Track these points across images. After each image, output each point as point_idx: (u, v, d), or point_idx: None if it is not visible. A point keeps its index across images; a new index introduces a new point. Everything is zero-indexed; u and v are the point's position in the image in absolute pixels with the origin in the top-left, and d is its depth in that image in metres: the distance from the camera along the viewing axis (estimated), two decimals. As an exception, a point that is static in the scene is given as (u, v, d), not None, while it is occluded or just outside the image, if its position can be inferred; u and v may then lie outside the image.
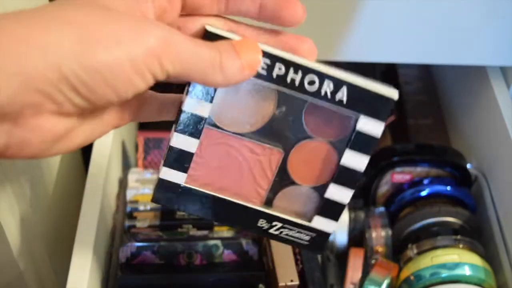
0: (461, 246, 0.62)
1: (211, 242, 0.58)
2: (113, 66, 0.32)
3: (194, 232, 0.60)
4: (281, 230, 0.44)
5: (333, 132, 0.42)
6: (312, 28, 0.63)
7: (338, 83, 0.40)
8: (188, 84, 0.39)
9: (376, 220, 0.68)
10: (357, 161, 0.42)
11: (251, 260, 0.59)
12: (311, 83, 0.40)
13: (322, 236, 0.45)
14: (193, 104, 0.40)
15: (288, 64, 0.39)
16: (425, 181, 0.69)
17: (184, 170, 0.42)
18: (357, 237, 0.68)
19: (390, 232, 0.67)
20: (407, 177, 0.70)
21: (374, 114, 0.41)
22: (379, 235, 0.67)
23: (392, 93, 0.40)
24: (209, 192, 0.43)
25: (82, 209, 0.56)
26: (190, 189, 0.43)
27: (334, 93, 0.40)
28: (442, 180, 0.69)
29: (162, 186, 0.42)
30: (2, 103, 0.30)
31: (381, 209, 0.69)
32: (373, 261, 0.65)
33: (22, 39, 0.30)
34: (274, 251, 0.58)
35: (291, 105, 0.41)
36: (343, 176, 0.43)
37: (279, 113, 0.42)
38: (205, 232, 0.60)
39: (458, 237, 0.63)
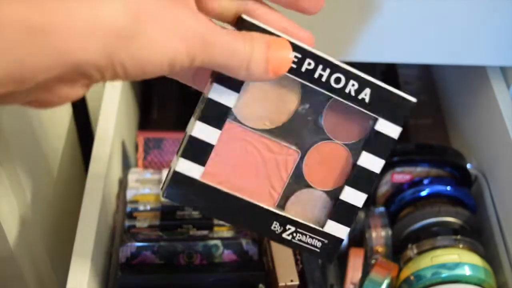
0: (461, 246, 0.62)
1: (211, 242, 0.58)
2: (156, 62, 0.33)
3: (194, 232, 0.60)
4: (294, 234, 0.44)
5: (350, 135, 0.43)
6: (312, 28, 0.63)
7: (362, 83, 0.41)
8: (215, 72, 0.39)
9: (376, 220, 0.68)
10: (373, 163, 0.43)
11: (251, 260, 0.59)
12: (337, 80, 0.40)
13: (334, 243, 0.44)
14: (220, 92, 0.39)
15: (318, 60, 0.40)
16: (425, 181, 0.69)
17: (202, 163, 0.41)
18: (357, 237, 0.68)
19: (390, 232, 0.67)
20: (407, 177, 0.70)
21: (392, 117, 0.42)
22: (379, 235, 0.67)
23: (411, 98, 0.42)
24: (225, 190, 0.42)
25: (82, 209, 0.56)
26: (206, 185, 0.41)
27: (358, 92, 0.41)
28: (442, 180, 0.69)
29: (177, 180, 0.41)
30: (39, 78, 0.31)
31: (381, 209, 0.69)
32: (373, 261, 0.65)
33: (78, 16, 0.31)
34: (274, 251, 0.58)
35: (314, 103, 0.42)
36: (359, 178, 0.43)
37: (302, 110, 0.42)
38: (205, 232, 0.60)
39: (458, 237, 0.63)
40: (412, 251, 0.64)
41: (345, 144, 0.43)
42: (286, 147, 0.43)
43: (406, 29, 0.63)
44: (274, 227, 0.43)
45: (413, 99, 0.42)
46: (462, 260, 0.61)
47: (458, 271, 0.60)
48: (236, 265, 0.58)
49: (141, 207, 0.64)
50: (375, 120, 0.42)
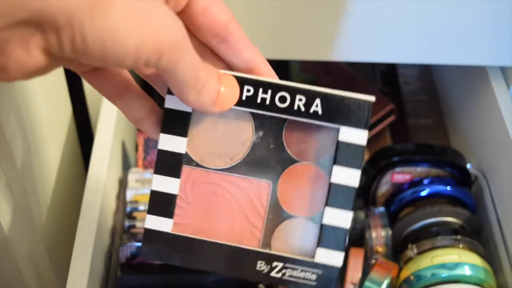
0: (461, 246, 0.62)
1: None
2: (118, 41, 0.32)
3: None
4: (283, 271, 0.41)
5: (318, 152, 0.40)
6: (313, 28, 0.63)
7: (310, 96, 0.38)
8: (162, 121, 0.39)
9: (376, 220, 0.68)
10: (347, 176, 0.40)
11: (251, 260, 0.58)
12: (283, 100, 0.39)
13: (329, 272, 0.41)
14: (168, 140, 0.39)
15: (256, 84, 0.38)
16: (425, 181, 0.69)
17: (169, 215, 0.40)
18: (357, 237, 0.68)
19: (390, 232, 0.67)
20: (407, 177, 0.70)
21: (353, 122, 0.39)
22: (379, 235, 0.67)
23: (368, 97, 0.38)
24: (197, 238, 0.40)
25: (82, 209, 0.56)
26: (179, 237, 0.40)
27: (307, 106, 0.39)
28: (442, 180, 0.69)
29: (149, 237, 0.40)
30: None
31: (381, 209, 0.69)
32: (373, 261, 0.65)
33: None
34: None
35: (269, 129, 0.40)
36: (336, 196, 0.40)
37: (257, 139, 0.40)
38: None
39: (458, 237, 0.63)
40: (412, 251, 0.64)
41: (316, 163, 0.41)
42: (255, 180, 0.41)
43: (406, 29, 0.63)
44: (260, 267, 0.41)
45: (371, 98, 0.38)
46: (462, 260, 0.61)
47: (458, 271, 0.60)
48: (236, 265, 0.58)
49: (141, 207, 0.64)
50: (337, 130, 0.39)
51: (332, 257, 0.41)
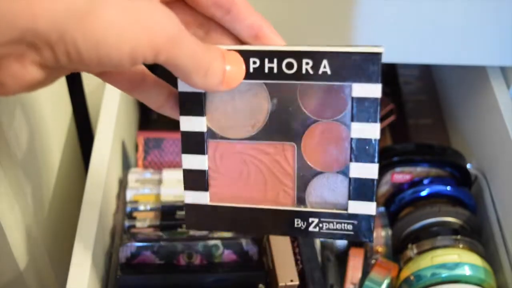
0: (461, 246, 0.62)
1: (211, 242, 0.58)
2: (112, 47, 0.32)
3: (194, 232, 0.60)
4: (320, 225, 0.42)
5: (334, 110, 0.40)
6: (313, 28, 0.63)
7: (316, 57, 0.38)
8: (179, 104, 0.40)
9: (376, 220, 0.68)
10: (368, 130, 0.39)
11: (251, 260, 0.59)
12: (289, 66, 0.39)
13: (364, 221, 0.41)
14: (188, 122, 0.41)
15: (260, 54, 0.39)
16: (425, 181, 0.69)
17: (204, 189, 0.42)
18: (357, 237, 0.68)
19: (390, 232, 0.67)
20: (407, 177, 0.70)
21: (365, 78, 0.38)
22: (379, 235, 0.67)
23: (376, 48, 0.38)
24: (237, 205, 0.42)
25: (82, 209, 0.56)
26: (218, 207, 0.42)
27: (315, 68, 0.38)
28: (442, 180, 0.69)
29: (190, 211, 0.43)
30: None
31: (381, 209, 0.69)
32: (373, 261, 0.65)
33: None
34: (274, 251, 0.58)
35: (283, 95, 0.40)
36: (359, 151, 0.40)
37: (273, 105, 0.41)
38: (205, 232, 0.60)
39: (458, 237, 0.63)
40: (412, 251, 0.64)
41: (335, 120, 0.41)
42: (279, 144, 0.42)
43: (406, 29, 0.63)
44: (298, 224, 0.42)
45: (380, 49, 0.37)
46: (462, 260, 0.61)
47: (458, 271, 0.60)
48: (236, 265, 0.58)
49: (141, 207, 0.64)
50: (350, 85, 0.39)
51: (365, 207, 0.41)
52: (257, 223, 0.42)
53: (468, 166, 0.70)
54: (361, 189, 0.41)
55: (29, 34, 0.30)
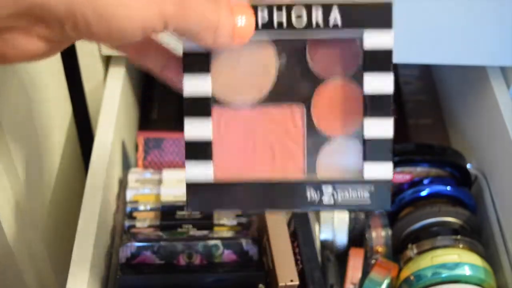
0: (461, 246, 0.62)
1: (211, 242, 0.58)
2: (123, 20, 0.31)
3: (194, 232, 0.60)
4: (335, 194, 0.39)
5: (345, 66, 0.39)
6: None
7: (326, 8, 0.37)
8: (183, 64, 0.38)
9: (376, 220, 0.68)
10: (381, 82, 0.38)
11: (251, 260, 0.59)
12: (299, 17, 0.38)
13: (382, 187, 0.39)
14: (193, 80, 0.38)
15: (269, 7, 0.38)
16: (425, 181, 0.69)
17: (209, 157, 0.39)
18: (357, 237, 0.68)
19: (390, 232, 0.67)
20: (407, 177, 0.70)
21: (377, 24, 0.38)
22: (379, 235, 0.67)
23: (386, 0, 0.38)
24: (245, 180, 0.39)
25: (82, 209, 0.56)
26: (223, 184, 0.39)
27: (326, 18, 0.37)
28: (442, 180, 0.69)
29: (193, 190, 0.39)
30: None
31: (381, 209, 0.69)
32: (373, 261, 0.65)
33: None
34: (274, 251, 0.58)
35: (291, 52, 0.39)
36: (374, 105, 0.38)
37: (281, 65, 0.39)
38: (205, 232, 0.60)
39: (458, 237, 0.63)
40: (412, 251, 0.64)
41: (346, 77, 0.39)
42: (287, 106, 0.39)
43: (406, 29, 0.63)
44: (311, 196, 0.39)
45: (390, 0, 0.38)
46: (462, 260, 0.61)
47: (458, 271, 0.60)
48: (236, 265, 0.58)
49: (141, 207, 0.64)
50: (361, 38, 0.38)
51: (381, 170, 0.39)
52: (267, 199, 0.39)
53: (468, 166, 0.70)
54: (377, 149, 0.39)
55: (37, 8, 0.30)
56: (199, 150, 0.39)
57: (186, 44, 0.38)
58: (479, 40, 0.63)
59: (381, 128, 0.39)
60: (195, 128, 0.38)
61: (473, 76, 0.73)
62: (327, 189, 0.39)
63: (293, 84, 0.39)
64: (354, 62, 0.39)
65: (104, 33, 0.32)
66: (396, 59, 0.67)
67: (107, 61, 0.70)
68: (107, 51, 0.67)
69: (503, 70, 0.70)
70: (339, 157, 0.40)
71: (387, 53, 0.38)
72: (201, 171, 0.39)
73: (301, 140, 0.40)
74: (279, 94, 0.39)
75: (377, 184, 0.39)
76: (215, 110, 0.39)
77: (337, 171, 0.40)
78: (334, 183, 0.39)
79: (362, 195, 0.39)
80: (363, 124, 0.39)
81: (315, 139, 0.40)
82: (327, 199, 0.39)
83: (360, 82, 0.39)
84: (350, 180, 0.39)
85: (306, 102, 0.39)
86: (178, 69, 0.39)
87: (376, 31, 0.37)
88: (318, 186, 0.39)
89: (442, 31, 0.63)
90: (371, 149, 0.39)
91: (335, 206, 0.39)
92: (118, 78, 0.69)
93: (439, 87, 0.88)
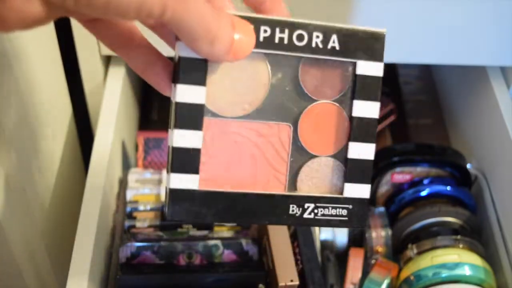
0: (461, 246, 0.62)
1: (211, 242, 0.58)
2: None
3: (194, 232, 0.60)
4: (316, 211, 0.41)
5: (335, 89, 0.41)
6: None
7: (327, 32, 0.39)
8: (176, 72, 0.38)
9: (376, 220, 0.68)
10: (368, 109, 0.41)
11: (251, 260, 0.59)
12: (300, 38, 0.39)
13: (359, 206, 0.42)
14: (186, 91, 0.38)
15: (272, 23, 0.38)
16: (425, 181, 0.69)
17: (195, 171, 0.39)
18: (357, 237, 0.68)
19: (390, 232, 0.67)
20: (407, 177, 0.70)
21: (370, 55, 0.40)
22: (379, 235, 0.67)
23: (381, 30, 0.40)
24: (229, 191, 0.39)
25: (82, 209, 0.56)
26: (208, 192, 0.39)
27: (325, 42, 0.39)
28: (442, 180, 0.69)
29: (175, 198, 0.38)
30: None
31: (381, 209, 0.69)
32: (373, 261, 0.65)
33: None
34: (274, 251, 0.58)
35: (285, 70, 0.40)
36: (359, 129, 0.41)
37: (274, 82, 0.40)
38: (205, 232, 0.60)
39: (458, 237, 0.63)
40: (412, 251, 0.64)
41: (334, 100, 0.41)
42: (275, 125, 0.40)
43: (406, 29, 0.63)
44: (293, 210, 0.41)
45: (383, 30, 0.40)
46: (462, 260, 0.61)
47: (458, 271, 0.60)
48: (236, 265, 0.58)
49: (141, 207, 0.64)
50: (354, 64, 0.40)
51: (359, 190, 0.42)
52: (250, 211, 0.40)
53: (468, 166, 0.70)
54: (358, 171, 0.41)
55: None
56: (187, 162, 0.39)
57: (180, 49, 0.37)
58: (479, 40, 0.63)
59: (364, 151, 0.41)
60: (184, 139, 0.38)
61: (473, 76, 0.73)
62: (310, 205, 0.41)
63: (283, 102, 0.40)
64: (344, 86, 0.41)
65: (101, 4, 0.31)
66: (396, 59, 0.67)
67: (107, 61, 0.70)
68: (107, 51, 0.67)
69: (503, 70, 0.70)
70: (320, 176, 0.42)
71: (377, 80, 0.40)
72: (187, 181, 0.39)
73: (286, 157, 0.41)
74: (269, 111, 0.40)
75: (356, 202, 0.42)
76: (204, 121, 0.39)
77: (317, 189, 0.42)
78: (316, 200, 0.41)
79: (341, 212, 0.42)
80: (348, 147, 0.41)
81: (299, 157, 0.41)
82: (308, 214, 0.41)
83: (347, 105, 0.41)
84: (330, 197, 0.41)
85: (294, 121, 0.41)
86: (164, 72, 0.38)
87: (369, 62, 0.40)
88: (299, 201, 0.41)
89: (442, 31, 0.63)
90: (353, 171, 0.41)
91: (315, 221, 0.41)
92: (118, 78, 0.69)
93: (439, 87, 0.88)
